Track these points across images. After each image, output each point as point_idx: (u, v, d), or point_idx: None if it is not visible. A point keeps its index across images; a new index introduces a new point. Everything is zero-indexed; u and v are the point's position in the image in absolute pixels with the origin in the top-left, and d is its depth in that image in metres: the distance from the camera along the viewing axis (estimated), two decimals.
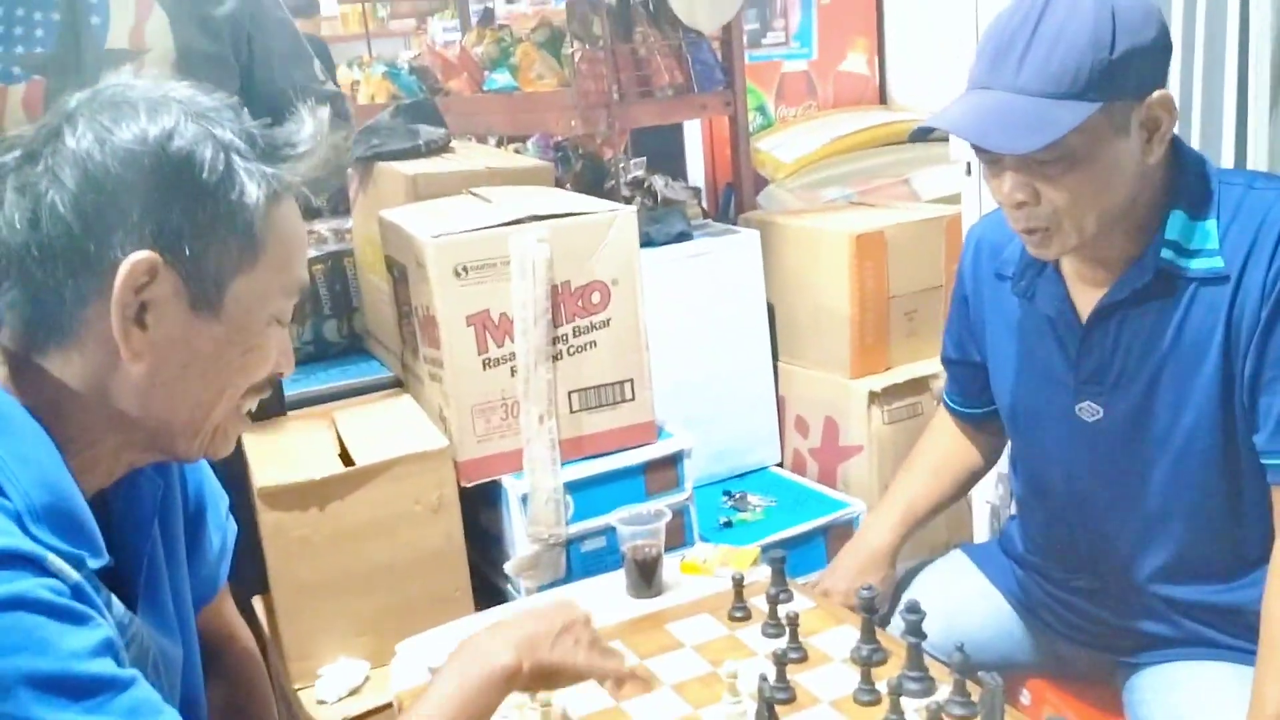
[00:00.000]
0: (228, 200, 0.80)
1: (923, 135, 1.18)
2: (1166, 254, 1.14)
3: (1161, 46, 1.10)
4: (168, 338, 0.81)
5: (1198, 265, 1.13)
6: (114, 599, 0.84)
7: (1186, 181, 1.15)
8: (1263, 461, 1.13)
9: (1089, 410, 1.23)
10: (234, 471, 1.56)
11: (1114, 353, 1.19)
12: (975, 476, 1.54)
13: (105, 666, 0.74)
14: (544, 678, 1.01)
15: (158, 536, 0.93)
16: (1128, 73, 1.06)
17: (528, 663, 0.98)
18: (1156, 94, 1.09)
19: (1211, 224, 1.13)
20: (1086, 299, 1.21)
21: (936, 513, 1.52)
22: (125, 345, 0.79)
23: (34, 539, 0.75)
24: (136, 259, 0.77)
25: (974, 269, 1.38)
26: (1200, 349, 1.14)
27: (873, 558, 1.44)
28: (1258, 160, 1.58)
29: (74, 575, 0.77)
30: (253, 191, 0.81)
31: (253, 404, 0.91)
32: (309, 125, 0.85)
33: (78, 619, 0.74)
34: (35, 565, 0.74)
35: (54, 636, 0.72)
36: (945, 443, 1.53)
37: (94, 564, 0.80)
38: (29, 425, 0.79)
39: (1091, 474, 1.26)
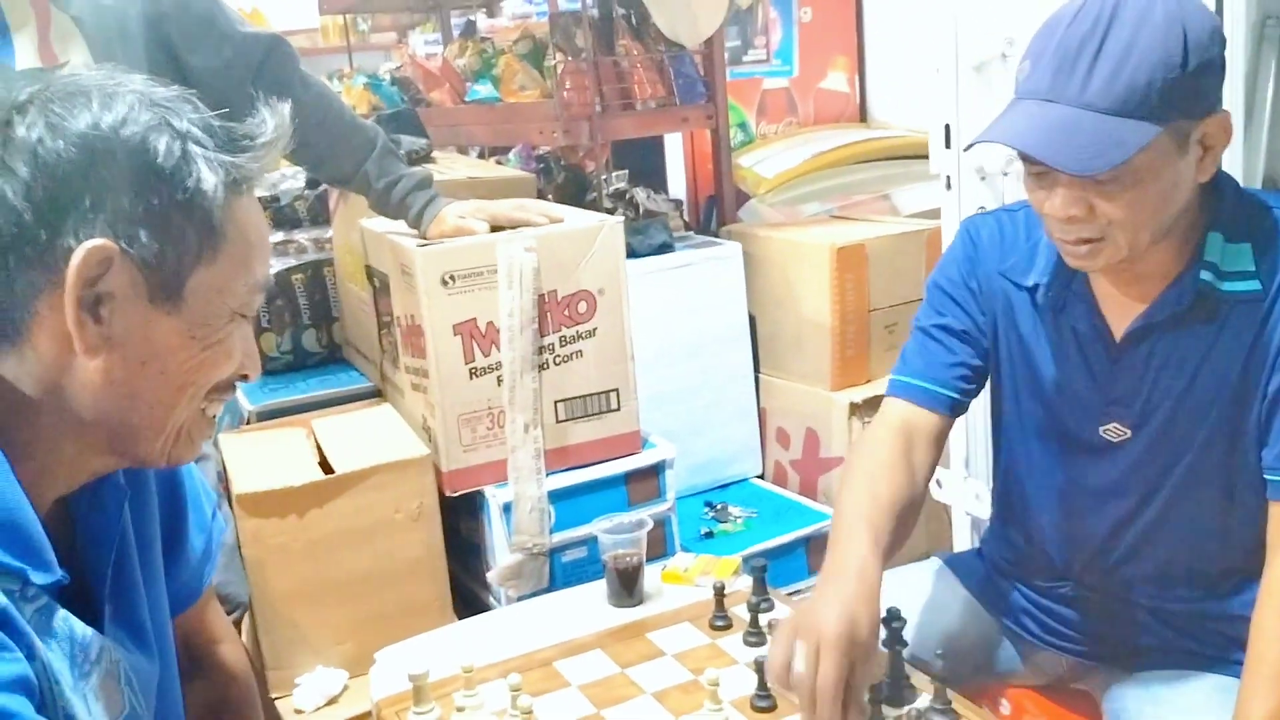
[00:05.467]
0: (184, 187, 0.77)
1: (973, 145, 1.13)
2: (1205, 275, 1.12)
3: (1222, 64, 1.08)
4: (125, 331, 0.77)
5: (1232, 287, 1.12)
6: (72, 619, 0.79)
7: (1223, 202, 1.14)
8: (1266, 477, 1.12)
9: (1115, 431, 1.21)
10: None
11: (1145, 375, 1.18)
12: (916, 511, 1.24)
13: (12, 702, 0.68)
14: None
15: (132, 544, 0.89)
16: (1196, 92, 1.04)
17: None
18: (1216, 113, 1.07)
19: (1247, 247, 1.12)
20: (1119, 318, 1.19)
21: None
22: (80, 338, 0.75)
23: None
24: (90, 246, 0.74)
25: (977, 261, 1.29)
26: (1226, 368, 1.13)
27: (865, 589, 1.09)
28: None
29: (0, 599, 0.72)
30: (210, 179, 0.78)
31: (217, 408, 0.87)
32: (270, 120, 0.83)
33: None
34: None
35: None
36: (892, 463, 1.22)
37: (40, 579, 0.75)
38: None
39: (1098, 490, 1.24)
